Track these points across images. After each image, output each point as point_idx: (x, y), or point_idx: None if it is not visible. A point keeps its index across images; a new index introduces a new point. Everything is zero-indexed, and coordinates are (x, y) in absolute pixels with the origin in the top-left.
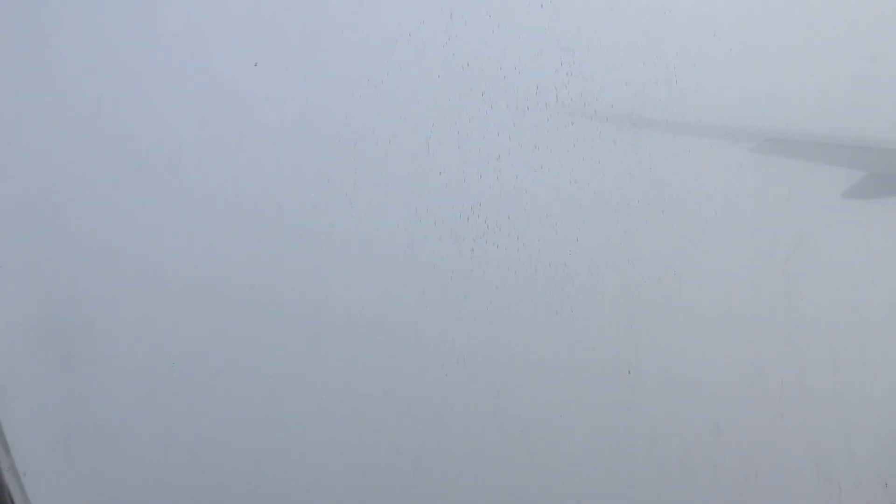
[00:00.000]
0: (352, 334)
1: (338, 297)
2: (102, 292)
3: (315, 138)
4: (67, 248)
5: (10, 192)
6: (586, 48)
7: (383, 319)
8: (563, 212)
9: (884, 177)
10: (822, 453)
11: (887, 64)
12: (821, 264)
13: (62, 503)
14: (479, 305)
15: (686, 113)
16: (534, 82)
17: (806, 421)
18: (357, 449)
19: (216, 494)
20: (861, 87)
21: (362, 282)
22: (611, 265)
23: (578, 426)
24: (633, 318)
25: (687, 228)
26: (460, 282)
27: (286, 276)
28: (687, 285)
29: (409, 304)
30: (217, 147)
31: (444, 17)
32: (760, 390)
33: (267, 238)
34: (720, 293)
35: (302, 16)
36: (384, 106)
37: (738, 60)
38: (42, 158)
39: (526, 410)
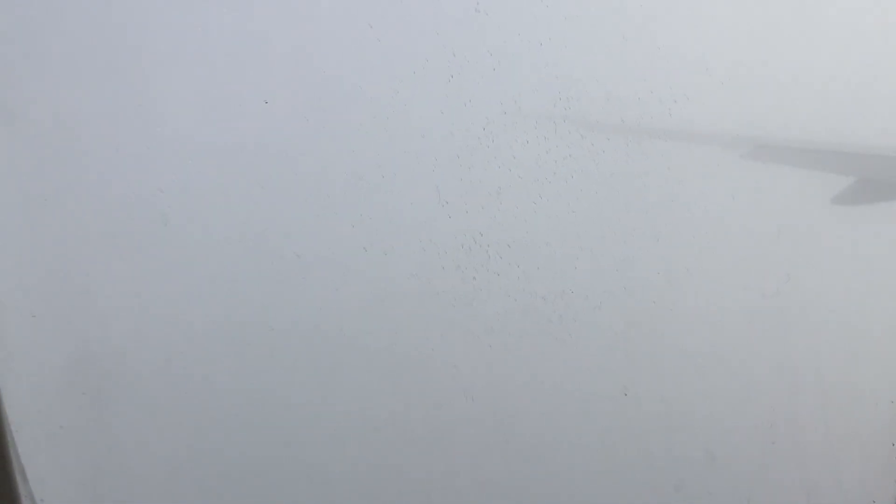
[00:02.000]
0: (357, 363)
1: (344, 328)
2: (128, 336)
3: (323, 173)
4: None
5: (40, 245)
6: (583, 84)
7: (388, 347)
8: (562, 241)
9: (873, 182)
10: (812, 479)
11: (877, 70)
12: (813, 290)
13: None
14: (481, 332)
15: (680, 144)
16: (533, 117)
17: (796, 448)
18: (362, 478)
19: None
20: (852, 93)
21: (368, 311)
22: (608, 292)
23: (578, 451)
24: (630, 344)
25: (681, 257)
26: (463, 308)
27: (294, 309)
28: (680, 313)
29: (413, 332)
30: (226, 183)
31: (446, 56)
32: (752, 417)
33: (273, 272)
34: (713, 321)
35: (311, 56)
36: (390, 141)
37: (730, 94)
38: (69, 214)
39: (527, 435)
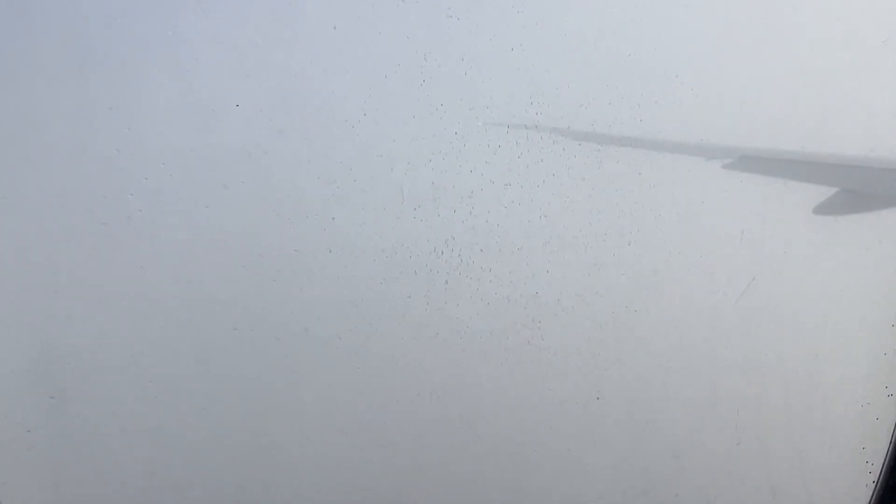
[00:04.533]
0: (328, 366)
1: (314, 331)
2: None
3: (293, 177)
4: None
5: (2, 246)
6: (555, 90)
7: (359, 351)
8: (534, 246)
9: (855, 193)
10: (777, 479)
11: (860, 80)
12: (779, 292)
13: None
14: (452, 335)
15: (651, 150)
16: (505, 121)
17: (761, 448)
18: (332, 481)
19: None
20: (834, 103)
21: (339, 315)
22: (579, 296)
23: (548, 454)
24: (599, 347)
25: (651, 262)
26: (435, 313)
27: (264, 312)
28: (649, 316)
29: (384, 336)
30: (196, 185)
31: (418, 60)
32: (717, 419)
33: (243, 276)
34: (680, 325)
35: (282, 59)
36: (361, 145)
37: (699, 101)
38: (37, 217)
39: (498, 438)
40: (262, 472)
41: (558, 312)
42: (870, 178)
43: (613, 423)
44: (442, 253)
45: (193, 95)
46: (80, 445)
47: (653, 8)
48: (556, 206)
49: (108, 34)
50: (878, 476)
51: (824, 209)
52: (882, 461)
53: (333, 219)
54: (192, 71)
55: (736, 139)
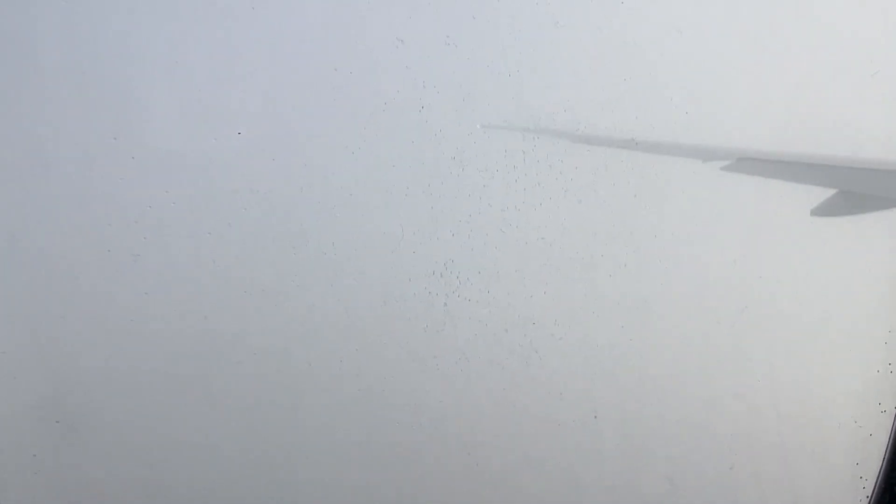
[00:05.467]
0: (328, 387)
1: (314, 354)
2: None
3: (294, 202)
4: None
5: (11, 281)
6: (551, 114)
7: (360, 371)
8: (531, 268)
9: (853, 195)
10: (771, 499)
11: (857, 82)
12: (771, 316)
13: None
14: (451, 356)
15: (647, 174)
16: (502, 146)
17: (754, 472)
18: (330, 500)
19: None
20: (831, 105)
21: (339, 336)
22: (575, 318)
23: (544, 475)
24: (595, 369)
25: (646, 285)
26: (434, 334)
27: (265, 335)
28: (643, 340)
29: (385, 356)
30: (200, 213)
31: (417, 87)
32: (712, 441)
33: (247, 303)
34: (674, 348)
35: (285, 87)
36: (362, 170)
37: (694, 124)
38: (42, 245)
39: (496, 459)
40: (263, 493)
41: (555, 334)
42: (867, 179)
43: (609, 445)
44: (441, 275)
45: (195, 122)
46: (86, 469)
47: (645, 33)
48: (552, 229)
49: (112, 50)
50: (871, 492)
51: (821, 211)
52: (875, 477)
53: (333, 244)
54: (195, 99)
55: (732, 157)
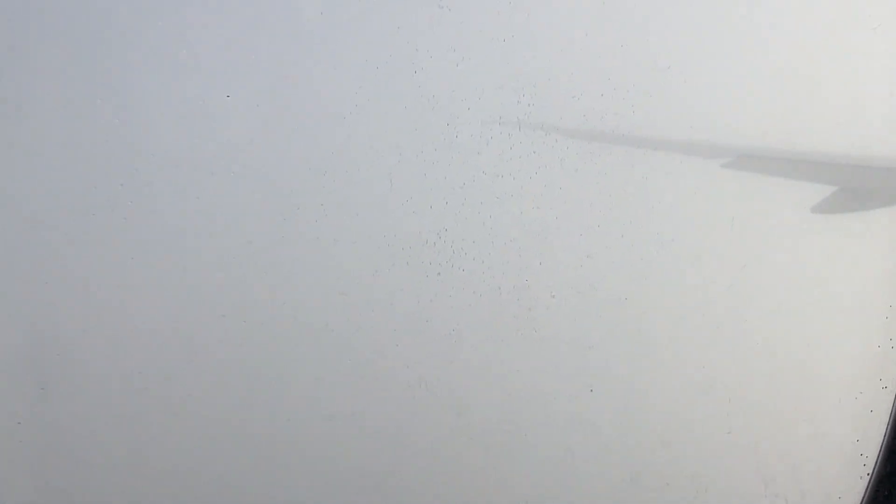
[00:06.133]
0: (320, 357)
1: (306, 322)
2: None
3: (284, 167)
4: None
5: None
6: (546, 80)
7: (351, 342)
8: (526, 236)
9: (854, 191)
10: (769, 469)
11: (856, 77)
12: (772, 280)
13: None
14: (445, 327)
15: (643, 141)
16: (496, 112)
17: (752, 438)
18: (322, 471)
19: None
20: (830, 100)
21: (331, 305)
22: (572, 287)
23: (539, 442)
24: (591, 337)
25: (643, 253)
26: (427, 304)
27: (254, 302)
28: (641, 307)
29: (377, 327)
30: (187, 176)
31: (409, 51)
32: (709, 408)
33: (234, 266)
34: (672, 314)
35: (273, 50)
36: (353, 136)
37: (693, 92)
38: (26, 209)
39: (490, 429)
40: (250, 462)
41: (550, 304)
42: (865, 176)
43: (605, 411)
44: (434, 244)
45: (183, 87)
46: (70, 437)
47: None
48: (547, 198)
49: (106, 35)
50: (872, 468)
51: (821, 206)
52: (876, 453)
53: (324, 210)
54: (183, 62)
55: (734, 129)
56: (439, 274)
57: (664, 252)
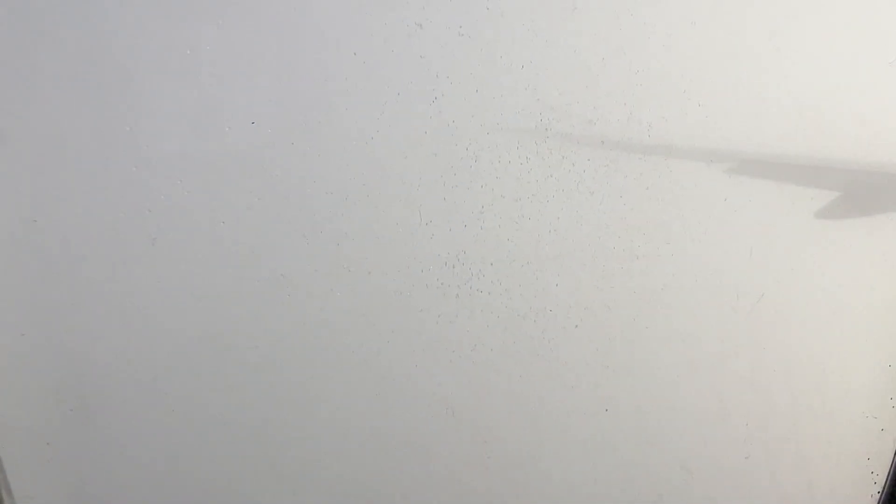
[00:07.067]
0: (340, 380)
1: (327, 345)
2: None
3: (308, 193)
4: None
5: (26, 262)
6: (565, 106)
7: (371, 364)
8: (544, 259)
9: (858, 197)
10: (785, 492)
11: (862, 84)
12: (786, 307)
13: None
14: (463, 348)
15: (659, 166)
16: (515, 137)
17: (769, 461)
18: (344, 494)
19: None
20: (837, 107)
21: (351, 329)
22: (588, 310)
23: (559, 467)
24: (609, 360)
25: (659, 275)
26: (446, 325)
27: (280, 327)
28: (657, 330)
29: (397, 349)
30: (212, 202)
31: (430, 78)
32: (726, 433)
33: (260, 292)
34: (689, 338)
35: (297, 77)
36: (374, 161)
37: (712, 118)
38: (57, 231)
39: (509, 450)
40: (277, 481)
41: (567, 325)
42: (875, 183)
43: (623, 434)
44: (453, 267)
45: (208, 110)
46: (100, 457)
47: (660, 25)
48: (565, 221)
49: (125, 51)
50: (883, 486)
51: (828, 214)
52: (887, 472)
53: (346, 234)
54: (208, 86)
55: (745, 152)
56: (458, 296)
57: (680, 273)
